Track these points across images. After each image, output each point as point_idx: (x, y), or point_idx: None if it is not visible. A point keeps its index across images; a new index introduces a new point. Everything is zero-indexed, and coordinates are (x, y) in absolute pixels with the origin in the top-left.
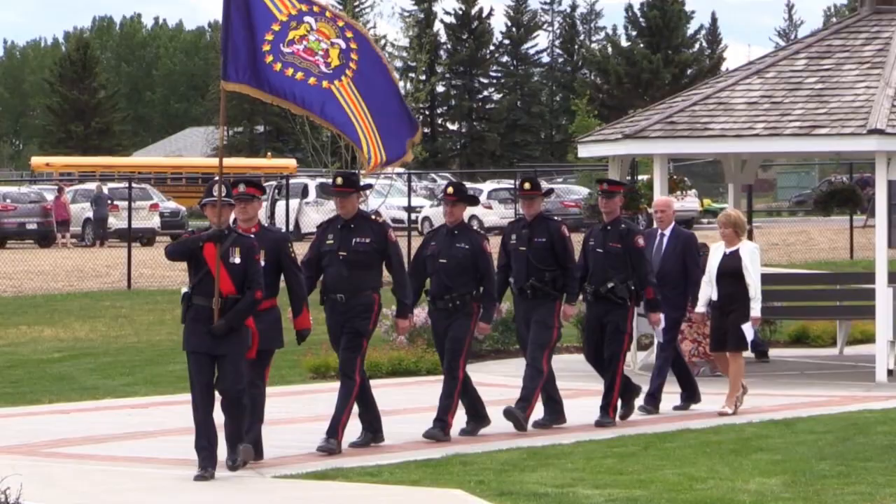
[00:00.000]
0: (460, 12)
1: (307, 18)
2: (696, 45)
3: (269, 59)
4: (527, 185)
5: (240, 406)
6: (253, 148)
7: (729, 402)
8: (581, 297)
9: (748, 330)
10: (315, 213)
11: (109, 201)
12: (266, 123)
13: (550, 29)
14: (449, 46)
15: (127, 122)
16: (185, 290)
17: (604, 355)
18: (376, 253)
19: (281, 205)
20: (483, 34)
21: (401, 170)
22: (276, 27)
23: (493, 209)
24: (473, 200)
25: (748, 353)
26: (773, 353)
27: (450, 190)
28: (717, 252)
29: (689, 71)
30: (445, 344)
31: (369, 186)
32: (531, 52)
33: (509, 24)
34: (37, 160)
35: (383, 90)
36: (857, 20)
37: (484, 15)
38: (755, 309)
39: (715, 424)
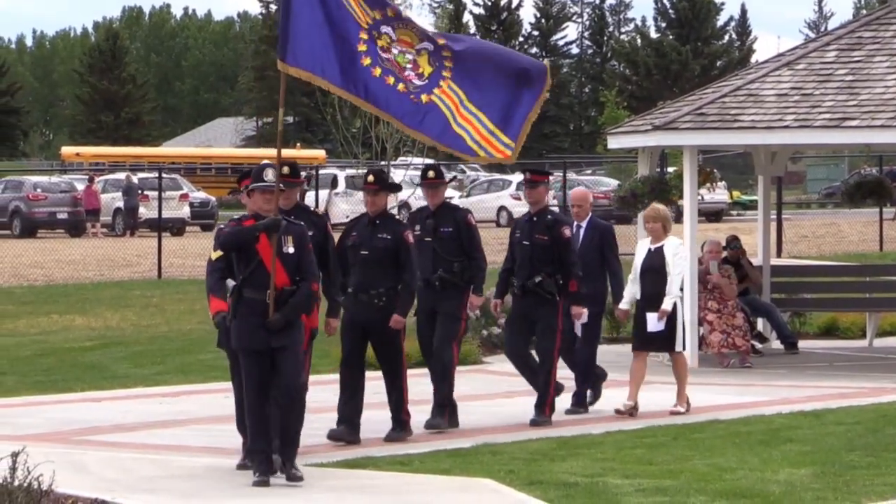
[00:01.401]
0: (489, 3)
1: (384, 28)
2: (726, 37)
3: (367, 60)
4: (430, 174)
5: (300, 403)
6: (282, 138)
7: (680, 401)
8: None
9: (652, 321)
10: (344, 204)
11: (140, 191)
12: (296, 114)
13: (579, 20)
14: (478, 38)
15: (156, 112)
16: (231, 282)
17: (535, 352)
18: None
19: (310, 195)
20: (512, 25)
21: (430, 160)
22: (363, 35)
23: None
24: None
25: (777, 345)
26: (803, 344)
27: (370, 178)
28: (642, 248)
29: (718, 63)
30: (380, 345)
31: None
32: (560, 43)
33: (538, 15)
34: (67, 150)
35: (492, 71)
36: (888, 12)
37: (513, 6)
38: (667, 302)
39: (745, 415)
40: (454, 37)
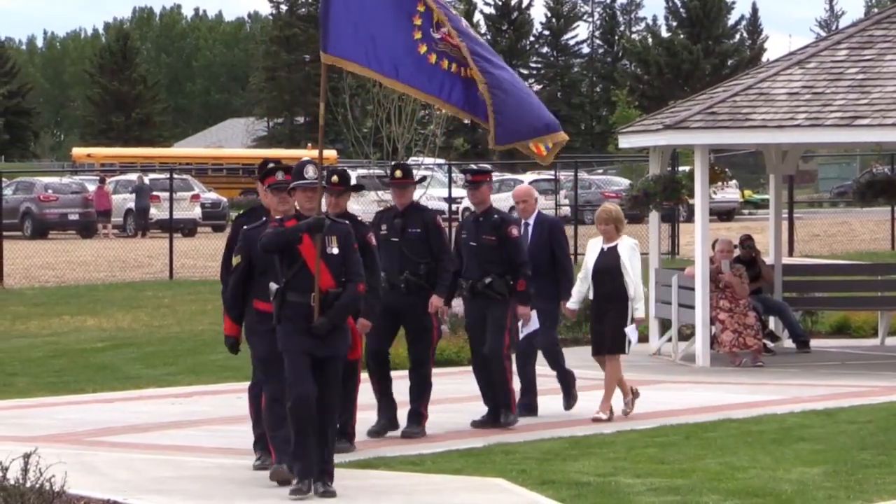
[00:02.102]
0: (500, 3)
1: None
2: (737, 36)
3: (423, 48)
4: (398, 173)
5: (336, 410)
6: (293, 139)
7: (603, 408)
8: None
9: (631, 332)
10: (355, 204)
11: (150, 192)
12: (307, 114)
13: (590, 20)
14: (489, 37)
15: (167, 112)
16: (274, 285)
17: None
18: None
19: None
20: (523, 25)
21: (441, 160)
22: (420, 7)
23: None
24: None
25: (790, 344)
26: (815, 343)
27: (334, 178)
28: (594, 248)
29: (729, 62)
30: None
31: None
32: (571, 42)
33: (549, 14)
34: (78, 151)
35: (514, 95)
36: None
37: (524, 6)
38: (638, 310)
39: (757, 414)
40: (490, 61)
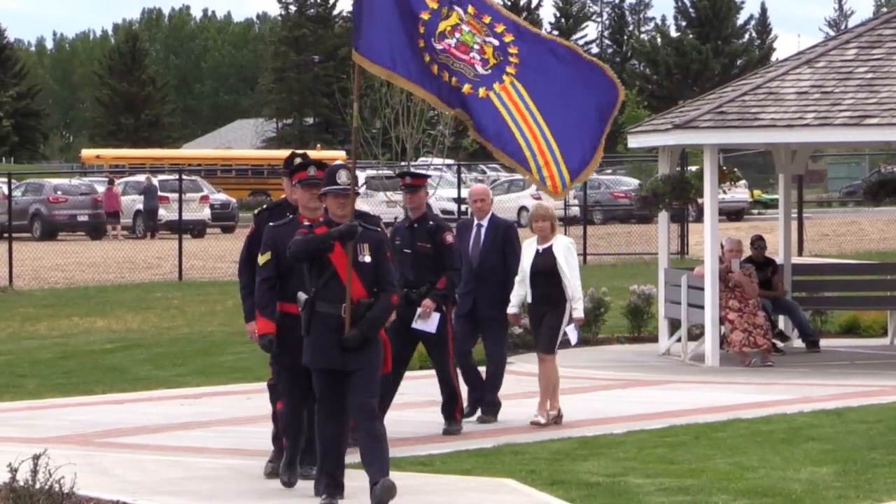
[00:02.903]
0: (509, 3)
1: (457, 7)
2: (746, 36)
3: (427, 58)
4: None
5: (378, 426)
6: (302, 140)
7: (541, 411)
8: None
9: (571, 332)
10: (364, 205)
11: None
12: (316, 115)
13: (599, 19)
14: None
15: (176, 114)
16: (303, 295)
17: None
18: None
19: None
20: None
21: (450, 161)
22: (425, 15)
23: (542, 200)
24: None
25: (799, 344)
26: (824, 343)
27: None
28: (529, 249)
29: (738, 61)
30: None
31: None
32: (580, 42)
33: (558, 14)
34: (87, 152)
35: (559, 79)
36: None
37: (533, 6)
38: (577, 309)
39: (766, 414)
40: (523, 33)
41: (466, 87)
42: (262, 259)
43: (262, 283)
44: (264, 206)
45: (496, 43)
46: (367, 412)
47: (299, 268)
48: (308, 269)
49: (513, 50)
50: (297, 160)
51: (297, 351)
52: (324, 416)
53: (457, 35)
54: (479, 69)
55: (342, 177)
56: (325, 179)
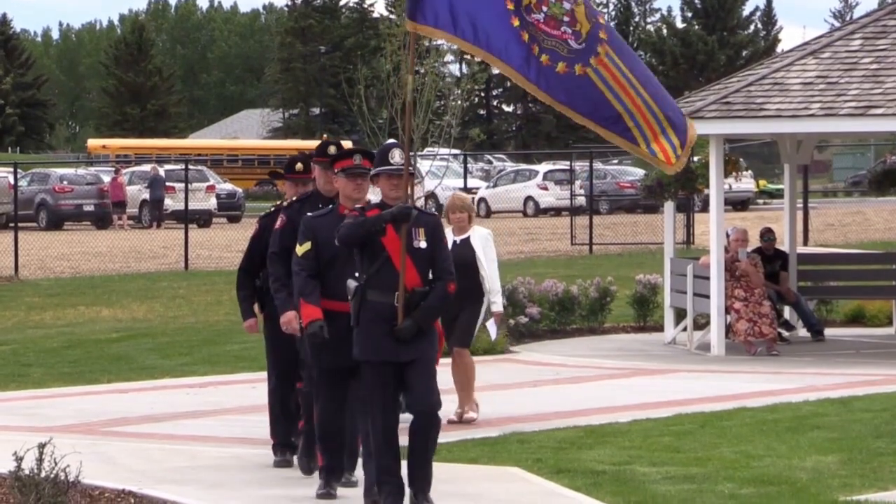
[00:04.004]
0: None
1: None
2: (752, 27)
3: (516, 22)
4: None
5: (435, 425)
6: (309, 130)
7: (469, 405)
8: None
9: (491, 326)
10: (372, 195)
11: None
12: (322, 105)
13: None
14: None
15: (182, 104)
16: (353, 283)
17: None
18: None
19: None
20: None
21: (456, 151)
22: None
23: (548, 190)
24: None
25: (804, 333)
26: (829, 332)
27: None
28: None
29: (744, 52)
30: None
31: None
32: None
33: None
34: (93, 142)
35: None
36: None
37: None
38: (496, 303)
39: (772, 403)
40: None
41: (561, 66)
42: (300, 249)
43: (301, 271)
44: (294, 199)
45: (586, 4)
46: (425, 407)
47: (340, 261)
48: (359, 256)
49: (601, 20)
50: (332, 148)
51: (337, 349)
52: (377, 410)
53: (544, 9)
54: (573, 44)
55: (395, 156)
56: (376, 158)
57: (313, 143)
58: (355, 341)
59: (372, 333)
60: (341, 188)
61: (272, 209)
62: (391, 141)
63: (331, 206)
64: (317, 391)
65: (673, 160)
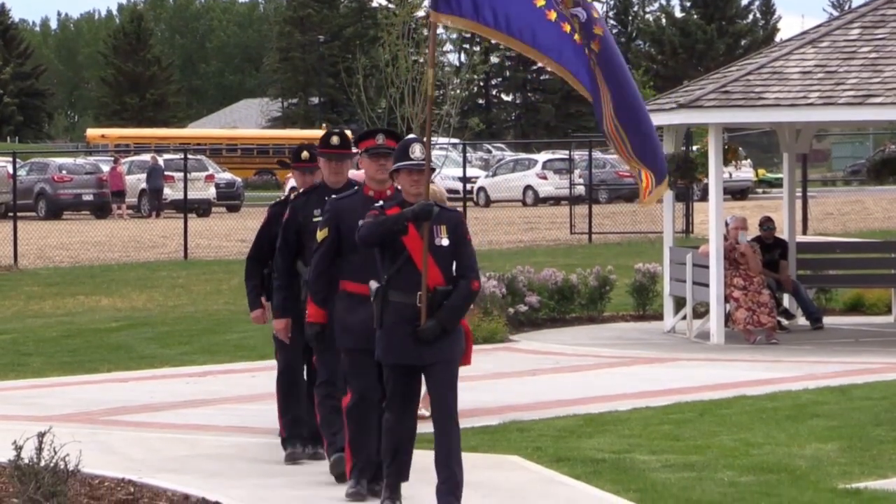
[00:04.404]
0: None
1: None
2: (750, 16)
3: (541, 2)
4: (335, 140)
5: (455, 430)
6: (308, 119)
7: (425, 403)
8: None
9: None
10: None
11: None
12: (321, 95)
13: (604, 0)
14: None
15: (181, 93)
16: (375, 284)
17: None
18: None
19: None
20: None
21: (455, 140)
22: None
23: (547, 179)
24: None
25: (803, 322)
26: (829, 321)
27: (334, 140)
28: None
29: (743, 42)
30: None
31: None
32: None
33: None
34: (92, 132)
35: (629, 92)
36: None
37: None
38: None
39: (771, 391)
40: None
41: (577, 36)
42: (319, 235)
43: (316, 266)
44: (300, 191)
45: (583, 18)
46: (445, 411)
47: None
48: (380, 255)
49: (598, 31)
50: (335, 138)
51: (361, 333)
52: (396, 415)
53: None
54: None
55: (416, 151)
56: (396, 154)
57: (312, 133)
58: (377, 343)
59: (394, 335)
60: (365, 169)
61: (282, 197)
62: (411, 136)
63: (356, 187)
64: (349, 382)
65: (646, 197)
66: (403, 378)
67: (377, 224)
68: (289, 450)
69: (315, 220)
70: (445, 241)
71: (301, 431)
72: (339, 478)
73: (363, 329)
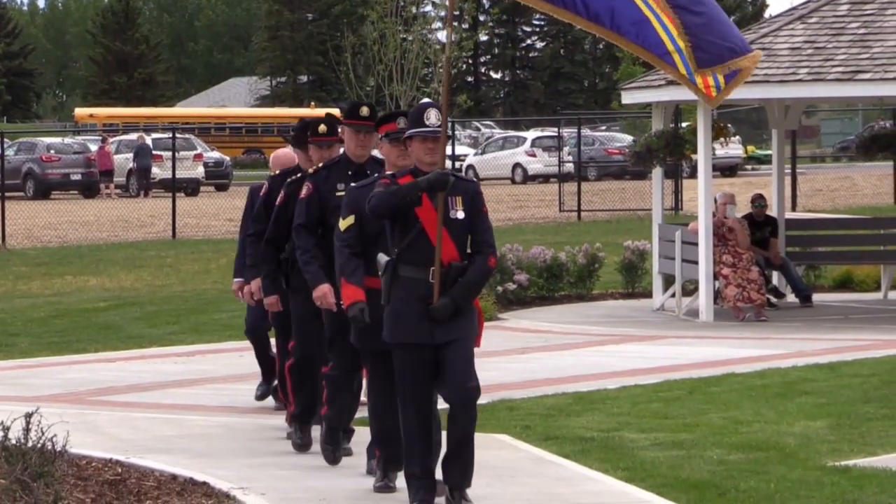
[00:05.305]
0: None
1: None
2: None
3: None
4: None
5: (473, 410)
6: (297, 98)
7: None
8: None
9: None
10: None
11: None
12: (309, 73)
13: None
14: None
15: (170, 72)
16: (384, 257)
17: None
18: None
19: None
20: None
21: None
22: None
23: (536, 157)
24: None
25: (792, 299)
26: (818, 297)
27: (363, 111)
28: None
29: (732, 18)
30: None
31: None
32: None
33: None
34: (80, 111)
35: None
36: None
37: None
38: None
39: (760, 368)
40: None
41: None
42: (343, 224)
43: (344, 248)
44: (320, 166)
45: None
46: (462, 395)
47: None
48: (390, 228)
49: None
50: (364, 109)
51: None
52: (408, 398)
53: None
54: None
55: (431, 116)
56: (410, 119)
57: (301, 111)
58: (385, 322)
59: (404, 313)
60: (385, 155)
61: (299, 175)
62: (427, 100)
63: (376, 175)
64: (370, 381)
65: (713, 93)
66: (413, 359)
67: (389, 194)
68: (300, 439)
69: (339, 193)
70: (461, 214)
71: (312, 420)
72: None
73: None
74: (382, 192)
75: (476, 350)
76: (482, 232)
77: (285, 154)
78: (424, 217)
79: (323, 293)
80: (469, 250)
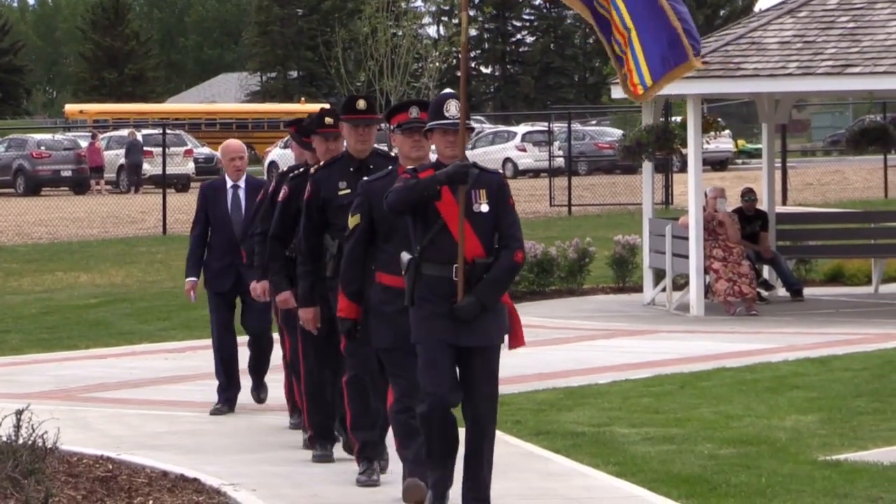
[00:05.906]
0: None
1: None
2: None
3: None
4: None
5: (489, 434)
6: (287, 93)
7: None
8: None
9: None
10: None
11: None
12: (300, 69)
13: None
14: None
15: (160, 68)
16: (407, 256)
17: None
18: None
19: None
20: None
21: None
22: None
23: (527, 151)
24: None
25: (783, 293)
26: (809, 291)
27: (360, 104)
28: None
29: (721, 12)
30: None
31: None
32: None
33: None
34: (70, 107)
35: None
36: None
37: None
38: None
39: (751, 363)
40: None
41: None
42: (350, 222)
43: (349, 254)
44: (321, 164)
45: None
46: (483, 407)
47: (402, 230)
48: (412, 224)
49: None
50: (361, 102)
51: (400, 330)
52: (430, 408)
53: None
54: None
55: (451, 108)
56: (430, 111)
57: (292, 107)
58: (411, 323)
59: (428, 313)
60: (399, 146)
61: (302, 170)
62: (448, 90)
63: (390, 167)
64: (392, 385)
65: (640, 90)
66: (446, 365)
67: (407, 189)
68: (319, 451)
69: (341, 192)
70: (485, 207)
71: (331, 432)
72: None
73: (402, 325)
74: (400, 188)
75: None
76: (508, 226)
77: (233, 144)
78: (446, 212)
79: (309, 317)
80: (494, 245)
